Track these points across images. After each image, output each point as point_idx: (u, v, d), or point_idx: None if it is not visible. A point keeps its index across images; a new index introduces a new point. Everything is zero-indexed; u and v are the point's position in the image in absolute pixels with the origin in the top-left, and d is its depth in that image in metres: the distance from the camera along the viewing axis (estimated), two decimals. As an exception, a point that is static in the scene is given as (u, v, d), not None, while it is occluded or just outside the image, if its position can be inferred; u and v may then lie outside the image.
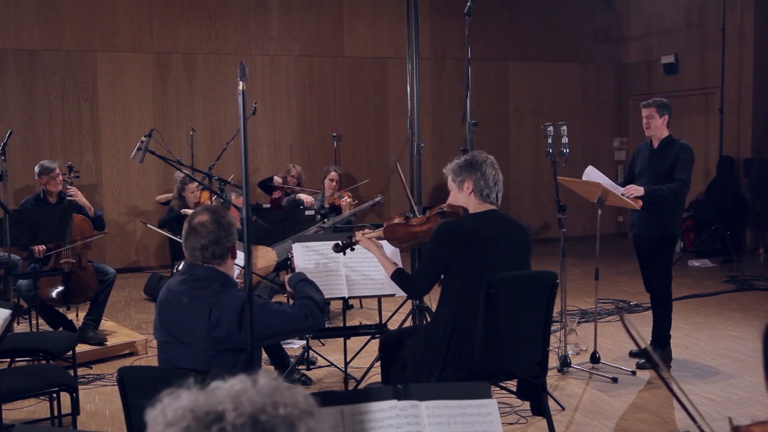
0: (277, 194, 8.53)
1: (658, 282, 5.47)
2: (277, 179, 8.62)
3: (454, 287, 3.56)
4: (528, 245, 3.73)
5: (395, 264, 3.83)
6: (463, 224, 3.59)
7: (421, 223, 3.78)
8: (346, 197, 7.46)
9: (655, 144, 5.52)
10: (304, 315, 3.05)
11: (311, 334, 5.24)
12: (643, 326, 6.05)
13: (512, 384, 4.09)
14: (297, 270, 4.35)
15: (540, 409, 3.83)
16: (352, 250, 4.03)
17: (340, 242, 4.00)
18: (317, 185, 8.53)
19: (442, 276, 3.62)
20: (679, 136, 5.84)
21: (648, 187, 5.26)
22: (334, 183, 7.75)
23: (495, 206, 3.68)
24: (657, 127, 5.47)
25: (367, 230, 3.95)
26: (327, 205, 7.50)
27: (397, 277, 3.77)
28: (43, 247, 5.92)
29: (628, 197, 5.29)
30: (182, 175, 6.44)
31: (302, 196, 7.79)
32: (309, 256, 4.42)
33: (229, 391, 1.07)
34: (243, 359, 2.90)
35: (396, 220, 3.85)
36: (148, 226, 7.06)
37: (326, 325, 6.59)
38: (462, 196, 3.67)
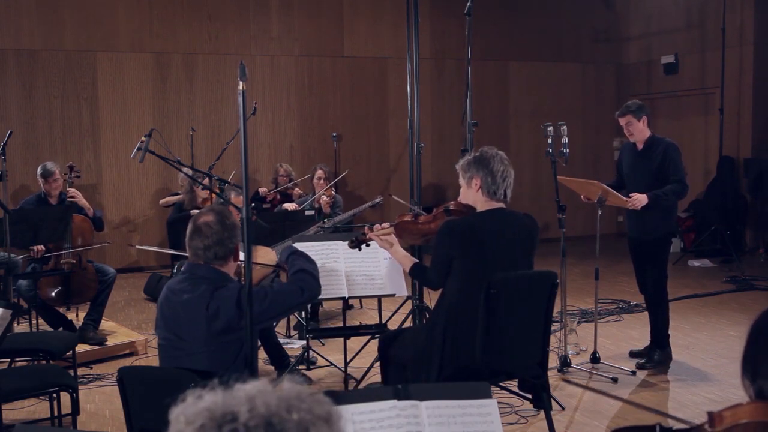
0: (270, 197, 8.52)
1: (655, 283, 5.46)
2: (263, 190, 8.62)
3: (454, 285, 3.57)
4: (533, 242, 3.73)
5: (413, 259, 3.86)
6: (466, 223, 3.59)
7: (429, 221, 3.82)
8: (324, 197, 7.45)
9: (639, 146, 5.48)
10: (299, 289, 3.12)
11: (311, 335, 5.24)
12: (643, 326, 6.05)
13: (512, 384, 4.10)
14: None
15: (541, 405, 3.84)
16: (368, 245, 4.07)
17: (354, 238, 4.04)
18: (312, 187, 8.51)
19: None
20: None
21: (651, 194, 5.23)
22: (322, 181, 7.73)
23: (503, 203, 3.68)
24: (640, 131, 5.43)
25: (378, 227, 3.97)
26: (318, 204, 7.47)
27: (414, 271, 3.81)
28: (42, 247, 5.91)
29: (631, 207, 5.27)
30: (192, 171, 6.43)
31: (287, 205, 7.74)
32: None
33: (247, 392, 1.09)
34: (242, 356, 2.91)
35: (406, 218, 3.89)
36: (137, 247, 7.74)
37: (327, 325, 6.60)
38: (471, 193, 3.67)
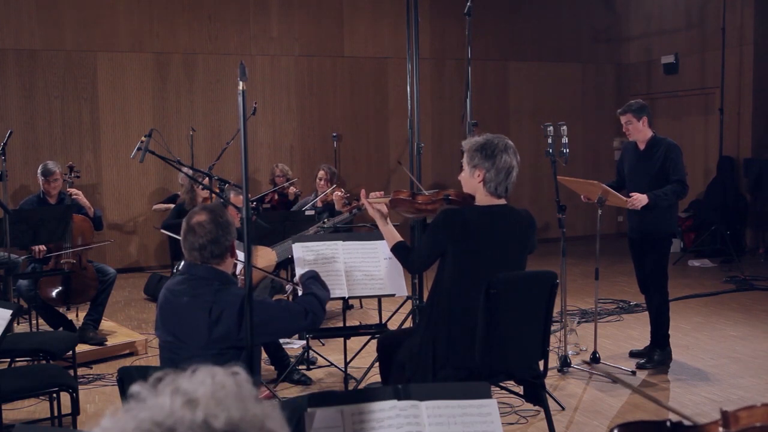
0: (269, 197, 8.51)
1: (655, 283, 5.47)
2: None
3: (447, 282, 3.55)
4: (528, 239, 3.70)
5: (399, 237, 3.83)
6: (464, 215, 3.56)
7: (426, 202, 3.80)
8: (337, 191, 7.36)
9: (641, 146, 5.49)
10: (303, 311, 3.08)
11: (311, 335, 5.24)
12: (643, 326, 6.06)
13: (512, 384, 4.09)
14: (297, 270, 4.35)
15: (543, 406, 3.83)
16: (359, 210, 4.19)
17: (347, 201, 4.08)
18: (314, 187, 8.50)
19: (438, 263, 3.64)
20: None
21: (651, 194, 5.24)
22: (323, 182, 7.71)
23: (503, 199, 3.66)
24: (639, 131, 5.45)
25: (374, 194, 3.96)
26: (320, 204, 7.43)
27: (398, 250, 3.78)
28: (44, 247, 5.92)
29: (631, 206, 5.27)
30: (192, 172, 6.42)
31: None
32: (309, 256, 4.41)
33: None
34: (244, 358, 2.90)
35: (402, 196, 3.87)
36: (162, 231, 7.10)
37: (326, 325, 6.59)
38: (472, 182, 3.64)
